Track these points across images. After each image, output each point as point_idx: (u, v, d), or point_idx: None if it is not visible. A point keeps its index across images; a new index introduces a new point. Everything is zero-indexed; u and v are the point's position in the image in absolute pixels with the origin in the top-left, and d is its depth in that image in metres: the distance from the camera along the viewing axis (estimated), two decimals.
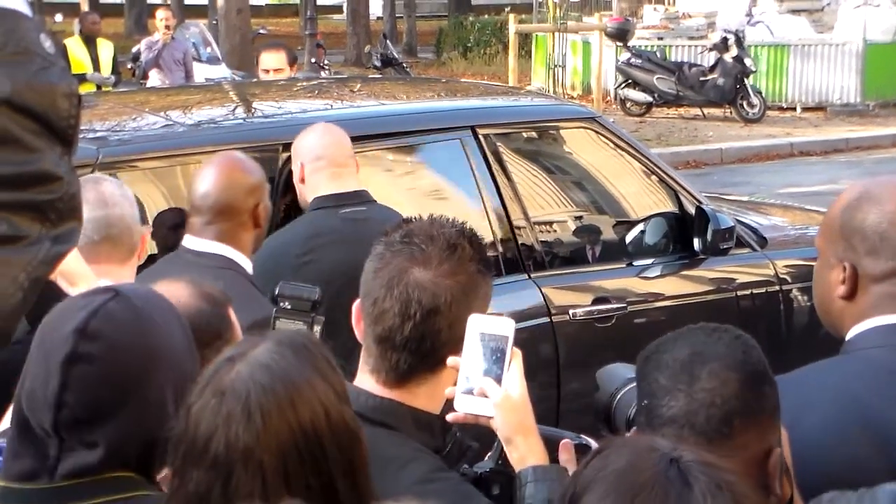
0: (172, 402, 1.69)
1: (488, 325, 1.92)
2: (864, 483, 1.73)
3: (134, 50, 14.06)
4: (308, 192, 3.82)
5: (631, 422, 2.05)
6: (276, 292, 2.66)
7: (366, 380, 1.99)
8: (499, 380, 1.92)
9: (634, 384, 2.08)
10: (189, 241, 3.28)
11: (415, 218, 2.09)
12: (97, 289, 1.77)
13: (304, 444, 1.55)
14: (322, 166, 3.79)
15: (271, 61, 6.82)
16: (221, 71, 14.78)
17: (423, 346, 1.94)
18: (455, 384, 1.95)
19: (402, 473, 1.84)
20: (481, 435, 2.13)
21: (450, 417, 1.96)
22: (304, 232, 3.74)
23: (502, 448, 2.01)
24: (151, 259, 3.44)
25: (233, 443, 1.53)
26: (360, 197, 3.79)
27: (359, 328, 2.02)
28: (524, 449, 1.93)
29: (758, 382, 1.82)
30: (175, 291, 2.32)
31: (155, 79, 11.87)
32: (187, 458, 1.56)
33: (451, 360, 1.93)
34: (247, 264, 3.29)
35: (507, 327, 1.93)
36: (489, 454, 2.07)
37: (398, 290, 1.93)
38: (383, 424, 1.93)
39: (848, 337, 2.13)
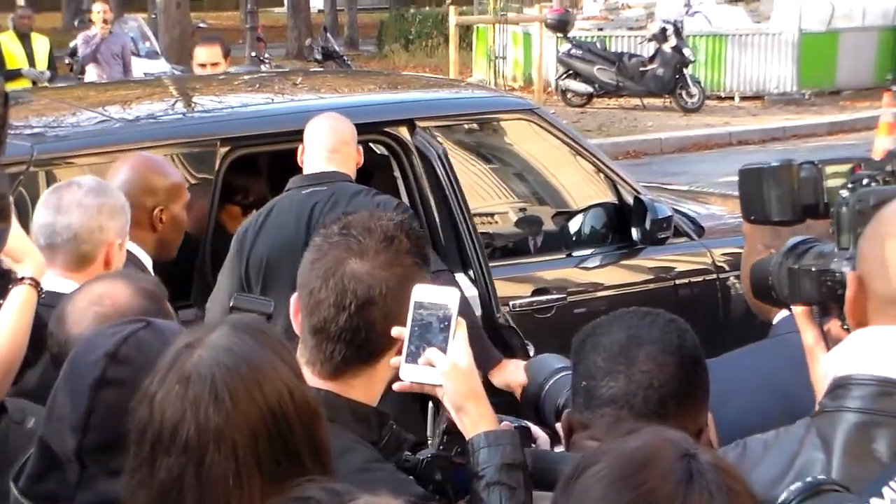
0: None
1: (432, 294, 1.94)
2: None
3: (71, 45, 13.90)
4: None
5: (560, 410, 2.08)
6: (231, 304, 2.69)
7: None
8: (444, 349, 1.93)
9: (562, 374, 2.12)
10: None
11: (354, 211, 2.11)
12: (131, 319, 1.84)
13: (272, 423, 1.56)
14: (308, 149, 3.85)
15: (206, 55, 6.76)
16: (160, 65, 14.67)
17: (358, 337, 1.95)
18: (398, 369, 1.96)
19: (339, 463, 1.85)
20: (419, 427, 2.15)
21: (396, 386, 1.98)
22: (261, 212, 3.81)
23: (444, 435, 2.02)
24: None
25: (203, 425, 1.54)
26: (331, 177, 3.78)
27: (296, 320, 2.03)
28: (475, 415, 1.94)
29: (692, 365, 1.87)
30: (113, 290, 2.28)
31: (92, 74, 11.73)
32: (156, 446, 1.56)
33: (395, 331, 1.94)
34: (145, 259, 3.32)
35: (452, 297, 1.94)
36: (430, 441, 2.09)
37: (333, 281, 1.94)
38: None
39: (774, 321, 2.19)
